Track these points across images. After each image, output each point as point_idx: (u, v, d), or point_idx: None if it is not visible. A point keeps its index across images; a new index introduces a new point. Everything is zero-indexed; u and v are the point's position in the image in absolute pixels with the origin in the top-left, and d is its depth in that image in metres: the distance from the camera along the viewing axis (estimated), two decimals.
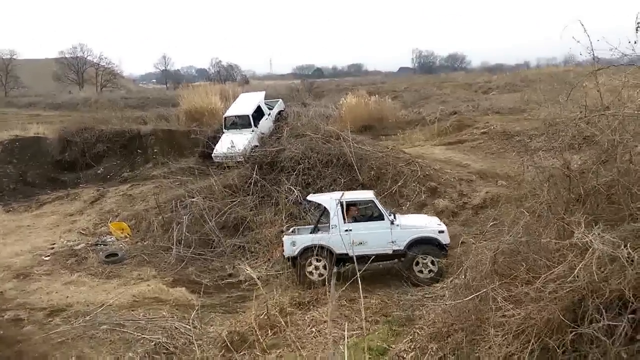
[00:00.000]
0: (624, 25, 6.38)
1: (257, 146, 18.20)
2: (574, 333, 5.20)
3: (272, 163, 16.03)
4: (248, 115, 19.47)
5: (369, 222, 11.04)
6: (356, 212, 11.30)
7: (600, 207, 7.27)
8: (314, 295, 10.00)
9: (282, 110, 21.49)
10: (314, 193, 14.63)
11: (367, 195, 11.65)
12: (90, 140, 23.47)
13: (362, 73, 73.46)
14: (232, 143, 17.90)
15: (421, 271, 10.68)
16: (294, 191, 14.49)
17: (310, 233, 11.45)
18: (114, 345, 8.61)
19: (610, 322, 4.97)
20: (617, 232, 5.80)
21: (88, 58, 72.62)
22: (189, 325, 9.19)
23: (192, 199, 15.21)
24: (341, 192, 12.14)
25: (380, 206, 11.09)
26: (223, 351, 8.28)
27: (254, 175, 15.57)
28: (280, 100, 22.65)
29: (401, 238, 10.79)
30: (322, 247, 10.88)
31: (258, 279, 11.39)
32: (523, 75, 42.40)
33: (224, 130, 19.85)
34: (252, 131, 19.01)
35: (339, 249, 10.82)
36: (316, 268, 11.04)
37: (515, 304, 6.05)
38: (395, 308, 9.41)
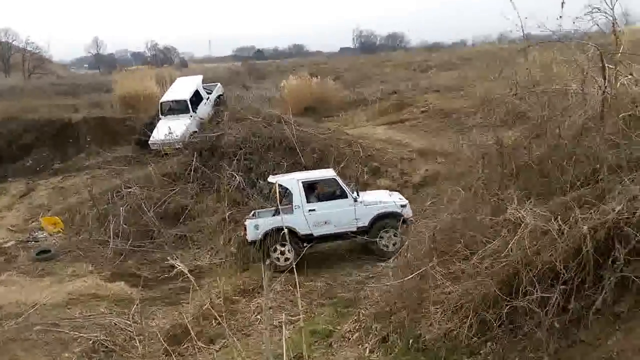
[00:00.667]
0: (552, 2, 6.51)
1: (196, 132, 17.68)
2: (509, 306, 5.35)
3: (213, 149, 15.63)
4: (186, 100, 18.83)
5: (332, 201, 10.93)
6: (319, 191, 11.21)
7: (532, 181, 7.49)
8: (258, 281, 9.88)
9: (221, 95, 20.92)
10: (256, 178, 14.44)
11: (329, 173, 11.54)
12: (17, 131, 22.08)
13: (303, 54, 72.67)
14: (170, 129, 17.29)
15: (386, 245, 10.72)
16: (235, 177, 14.21)
17: (273, 215, 11.21)
18: (49, 346, 8.18)
19: (543, 294, 5.13)
20: (548, 206, 5.98)
21: (14, 43, 68.21)
22: (130, 321, 8.87)
23: (129, 189, 14.60)
24: (302, 172, 11.99)
25: (342, 184, 11.03)
26: (166, 345, 8.05)
27: (194, 162, 15.14)
28: (219, 84, 22.01)
29: (365, 215, 10.76)
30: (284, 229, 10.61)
31: (201, 268, 11.25)
32: (459, 53, 43.26)
33: (160, 116, 19.13)
34: (191, 117, 18.41)
35: (303, 230, 10.71)
36: (282, 253, 10.82)
37: (454, 280, 6.19)
38: (340, 290, 9.46)
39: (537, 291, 5.18)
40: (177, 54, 73.36)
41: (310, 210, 10.70)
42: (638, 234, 4.76)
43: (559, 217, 5.55)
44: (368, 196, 11.48)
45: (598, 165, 6.21)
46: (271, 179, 11.88)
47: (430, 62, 38.16)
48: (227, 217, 12.92)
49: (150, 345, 8.18)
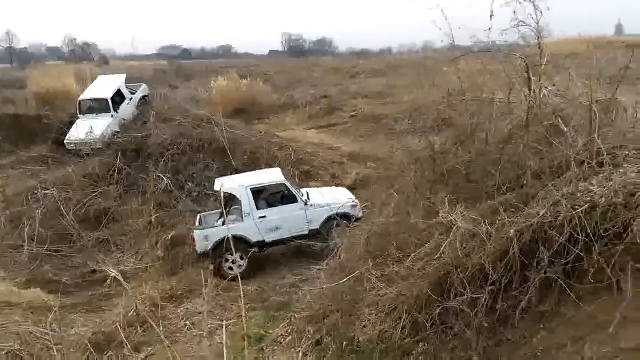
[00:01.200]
0: (481, 15, 6.76)
1: (117, 132, 16.89)
2: (441, 307, 5.49)
3: (138, 149, 15.01)
4: (107, 99, 17.93)
5: (283, 206, 10.64)
6: (268, 196, 10.89)
7: (460, 186, 7.75)
8: (187, 286, 9.58)
9: (146, 96, 20.09)
10: (185, 180, 14.02)
11: (277, 177, 11.14)
12: None
13: (232, 55, 71.75)
14: (91, 129, 16.41)
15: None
16: (162, 179, 13.72)
17: (219, 222, 10.72)
18: None
19: (473, 295, 5.31)
20: (476, 209, 6.21)
21: None
22: (47, 329, 8.29)
23: (46, 191, 13.72)
24: (249, 175, 11.57)
25: (292, 188, 10.77)
26: (87, 354, 7.60)
27: (118, 163, 14.46)
28: (144, 84, 21.16)
29: (317, 218, 10.57)
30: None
31: (126, 273, 10.75)
32: (387, 60, 44.44)
33: (79, 115, 18.13)
34: (112, 116, 17.57)
35: (255, 237, 10.40)
36: (234, 262, 10.34)
37: (388, 282, 6.27)
38: (273, 294, 9.35)
39: (467, 292, 5.35)
40: (97, 51, 69.93)
41: (260, 217, 10.40)
42: (560, 237, 5.01)
43: (488, 220, 5.77)
44: (318, 197, 11.17)
45: (522, 171, 6.53)
46: (217, 185, 11.19)
47: (359, 69, 38.85)
48: (153, 220, 12.44)
49: (70, 354, 7.69)
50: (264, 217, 10.46)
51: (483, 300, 5.26)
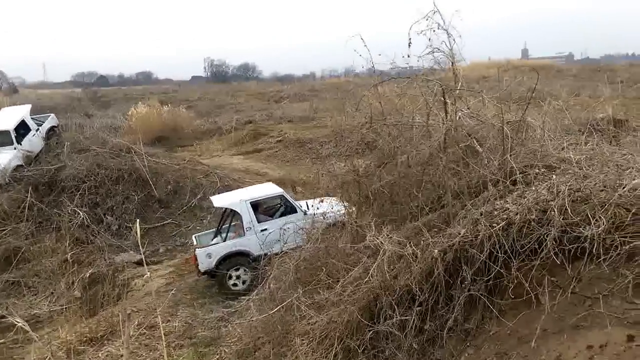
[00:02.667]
0: (400, 41, 6.99)
1: (21, 166, 15.76)
2: (371, 331, 5.48)
3: (51, 183, 14.20)
4: (8, 131, 16.67)
5: (283, 218, 10.34)
6: (267, 209, 10.74)
7: (385, 208, 7.88)
8: (108, 327, 9.02)
9: (54, 126, 18.91)
10: (104, 214, 13.37)
11: (274, 189, 10.96)
12: None
13: (152, 81, 70.02)
14: None
15: None
16: (79, 213, 12.97)
17: (216, 239, 10.56)
18: None
19: (402, 317, 5.34)
20: (402, 231, 6.31)
21: None
22: None
23: None
24: (243, 191, 11.33)
25: (290, 199, 10.61)
26: None
27: (28, 199, 13.52)
28: (52, 115, 19.91)
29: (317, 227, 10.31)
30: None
31: (39, 317, 10.01)
32: (310, 85, 45.16)
33: None
34: (15, 149, 16.39)
35: (257, 251, 10.10)
36: (238, 277, 10.20)
37: (318, 310, 6.18)
38: (201, 328, 9.00)
39: (396, 314, 5.38)
40: (6, 79, 65.89)
41: (262, 230, 10.16)
42: (481, 255, 5.17)
43: (413, 241, 5.87)
44: (314, 207, 10.92)
45: (443, 192, 6.74)
46: (216, 202, 11.05)
47: (283, 93, 39.17)
48: (69, 258, 11.69)
49: None
50: (265, 229, 10.22)
51: (411, 321, 5.30)
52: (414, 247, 5.71)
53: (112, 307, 10.05)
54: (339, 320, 5.71)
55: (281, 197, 10.80)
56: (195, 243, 11.03)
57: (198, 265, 10.29)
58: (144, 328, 8.65)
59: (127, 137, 18.64)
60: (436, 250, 5.46)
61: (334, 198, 10.76)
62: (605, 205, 4.94)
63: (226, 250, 10.22)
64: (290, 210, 10.61)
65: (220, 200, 11.15)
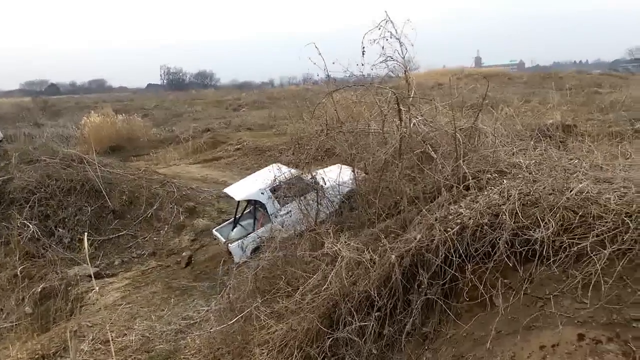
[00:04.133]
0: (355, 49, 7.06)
1: None
2: (331, 338, 5.48)
3: None
4: None
5: (302, 197, 9.78)
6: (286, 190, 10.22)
7: (344, 214, 7.94)
8: (61, 343, 8.69)
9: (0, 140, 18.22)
10: (55, 226, 12.92)
11: (286, 169, 10.43)
12: None
13: (106, 89, 68.45)
14: None
15: None
16: (29, 226, 12.48)
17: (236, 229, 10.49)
18: None
19: (361, 323, 5.37)
20: (360, 237, 6.36)
21: None
22: None
23: None
24: (259, 175, 11.07)
25: (305, 177, 10.08)
26: None
27: None
28: None
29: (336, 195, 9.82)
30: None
31: None
32: (269, 92, 45.10)
33: None
34: None
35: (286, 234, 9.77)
36: None
37: (278, 319, 6.15)
38: (158, 341, 8.77)
39: (355, 320, 5.41)
40: None
41: (286, 213, 9.91)
42: (436, 259, 5.26)
43: (371, 247, 5.93)
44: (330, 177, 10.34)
45: (399, 198, 6.84)
46: (236, 196, 10.84)
47: (242, 101, 38.95)
48: (19, 273, 11.23)
49: None
50: (290, 211, 9.97)
51: (370, 327, 5.33)
52: (372, 253, 5.76)
53: (65, 322, 9.70)
54: (299, 328, 5.70)
55: (297, 177, 10.28)
56: (218, 237, 11.05)
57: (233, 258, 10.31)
58: (99, 343, 8.36)
59: (79, 147, 18.11)
60: (393, 256, 5.52)
61: (345, 166, 10.22)
62: (554, 208, 5.11)
63: (258, 240, 10.04)
64: (307, 186, 10.16)
65: (239, 193, 10.88)
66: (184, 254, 12.10)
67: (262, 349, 5.86)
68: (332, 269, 5.75)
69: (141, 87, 70.71)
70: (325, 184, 10.09)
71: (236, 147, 21.78)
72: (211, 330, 6.82)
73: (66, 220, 12.73)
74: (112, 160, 17.21)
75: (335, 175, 10.29)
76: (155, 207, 13.96)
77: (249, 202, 10.87)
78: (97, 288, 9.79)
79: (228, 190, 11.44)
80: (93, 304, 10.53)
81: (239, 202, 11.01)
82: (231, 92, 49.22)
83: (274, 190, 10.42)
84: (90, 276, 11.12)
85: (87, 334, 8.46)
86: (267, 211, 10.35)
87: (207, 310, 9.00)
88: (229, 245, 10.44)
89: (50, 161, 14.51)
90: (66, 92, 65.55)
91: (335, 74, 7.84)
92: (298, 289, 6.08)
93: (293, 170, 9.43)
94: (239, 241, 10.44)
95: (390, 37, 6.46)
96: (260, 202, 10.44)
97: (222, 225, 11.66)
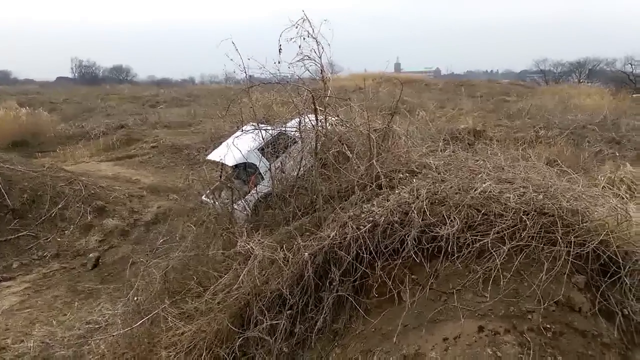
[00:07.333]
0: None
1: None
2: (241, 338, 5.38)
3: None
4: None
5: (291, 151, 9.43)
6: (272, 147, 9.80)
7: (260, 213, 7.85)
8: None
9: None
10: None
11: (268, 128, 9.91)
12: None
13: (10, 82, 63.68)
14: None
15: None
16: None
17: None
18: None
19: (272, 322, 5.31)
20: (274, 236, 6.31)
21: None
22: None
23: None
24: (240, 140, 9.93)
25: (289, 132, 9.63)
26: None
27: None
28: None
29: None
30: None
31: None
32: (189, 90, 43.99)
33: None
34: None
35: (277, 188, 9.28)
36: None
37: (188, 320, 5.96)
38: (59, 347, 8.23)
39: (266, 319, 5.34)
40: None
41: (278, 167, 9.28)
42: (348, 256, 5.32)
43: (285, 246, 5.90)
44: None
45: (316, 196, 6.86)
46: (227, 161, 10.16)
47: (160, 98, 37.70)
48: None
49: None
50: (282, 164, 9.40)
51: (282, 325, 5.29)
52: (286, 251, 5.73)
53: None
54: (208, 329, 5.55)
55: (280, 133, 9.93)
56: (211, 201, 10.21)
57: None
58: None
59: None
60: (306, 254, 5.52)
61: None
62: (459, 206, 5.33)
63: (256, 198, 9.53)
64: (293, 141, 9.83)
65: (230, 159, 10.21)
66: (90, 255, 11.48)
67: (170, 352, 5.65)
68: (245, 268, 5.65)
69: (50, 80, 66.37)
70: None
71: (152, 145, 20.97)
72: (114, 334, 6.48)
73: None
74: (13, 156, 15.99)
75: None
76: (60, 206, 13.10)
77: (236, 165, 10.54)
78: None
79: (213, 156, 10.90)
80: None
81: (222, 166, 10.70)
82: (149, 89, 47.47)
83: (261, 149, 10.16)
84: None
85: None
86: (258, 170, 10.11)
87: (113, 314, 8.57)
88: (235, 205, 9.76)
89: None
90: None
91: (253, 72, 7.75)
92: (210, 288, 5.92)
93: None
94: (238, 203, 9.83)
95: (308, 37, 6.47)
96: (252, 163, 10.23)
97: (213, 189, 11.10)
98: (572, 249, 4.80)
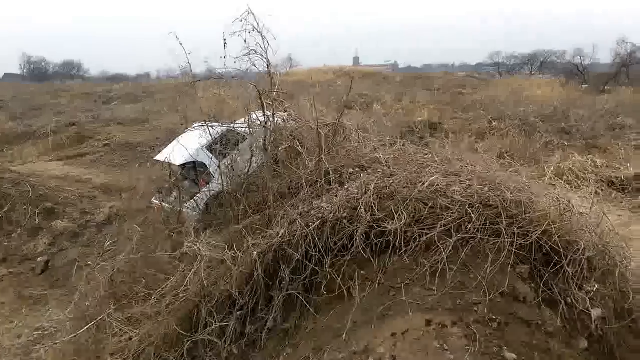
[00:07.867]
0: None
1: None
2: (190, 342, 5.25)
3: None
4: None
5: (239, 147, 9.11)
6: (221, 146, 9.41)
7: (212, 212, 7.71)
8: None
9: None
10: None
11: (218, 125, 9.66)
12: None
13: None
14: None
15: None
16: None
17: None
18: None
19: (222, 323, 5.21)
20: (223, 235, 6.19)
21: None
22: None
23: None
24: (188, 138, 9.89)
25: (238, 129, 9.35)
26: None
27: None
28: None
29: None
30: None
31: None
32: (144, 86, 42.95)
33: None
34: None
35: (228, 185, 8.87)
36: None
37: (135, 325, 5.78)
38: (6, 356, 7.89)
39: (215, 321, 5.24)
40: None
41: (228, 164, 8.91)
42: (297, 254, 5.26)
43: (234, 245, 5.78)
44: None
45: (267, 193, 6.76)
46: (175, 160, 9.78)
47: (113, 94, 36.67)
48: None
49: None
50: (232, 162, 9.05)
51: (231, 327, 5.20)
52: (235, 251, 5.62)
53: None
54: (156, 333, 5.39)
55: (229, 130, 9.72)
56: (159, 203, 10.02)
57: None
58: None
59: None
60: (255, 252, 5.43)
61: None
62: (407, 200, 5.34)
63: (207, 198, 9.33)
64: (242, 138, 9.55)
65: (178, 158, 9.99)
66: (39, 259, 11.05)
67: (116, 358, 5.48)
68: (192, 270, 5.52)
69: None
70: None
71: (104, 142, 20.37)
72: (58, 342, 6.25)
73: None
74: None
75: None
76: (5, 209, 12.57)
77: (185, 164, 10.22)
78: None
79: (161, 157, 10.50)
80: None
81: (170, 166, 10.19)
82: (102, 85, 46.11)
83: (210, 147, 9.88)
84: None
85: None
86: (208, 169, 9.82)
87: (62, 320, 8.28)
88: (187, 204, 9.59)
89: None
90: None
91: (200, 67, 7.58)
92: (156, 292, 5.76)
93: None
94: (188, 203, 9.65)
95: (253, 30, 6.35)
96: (202, 162, 9.95)
97: (163, 189, 10.72)
98: (515, 240, 4.88)
